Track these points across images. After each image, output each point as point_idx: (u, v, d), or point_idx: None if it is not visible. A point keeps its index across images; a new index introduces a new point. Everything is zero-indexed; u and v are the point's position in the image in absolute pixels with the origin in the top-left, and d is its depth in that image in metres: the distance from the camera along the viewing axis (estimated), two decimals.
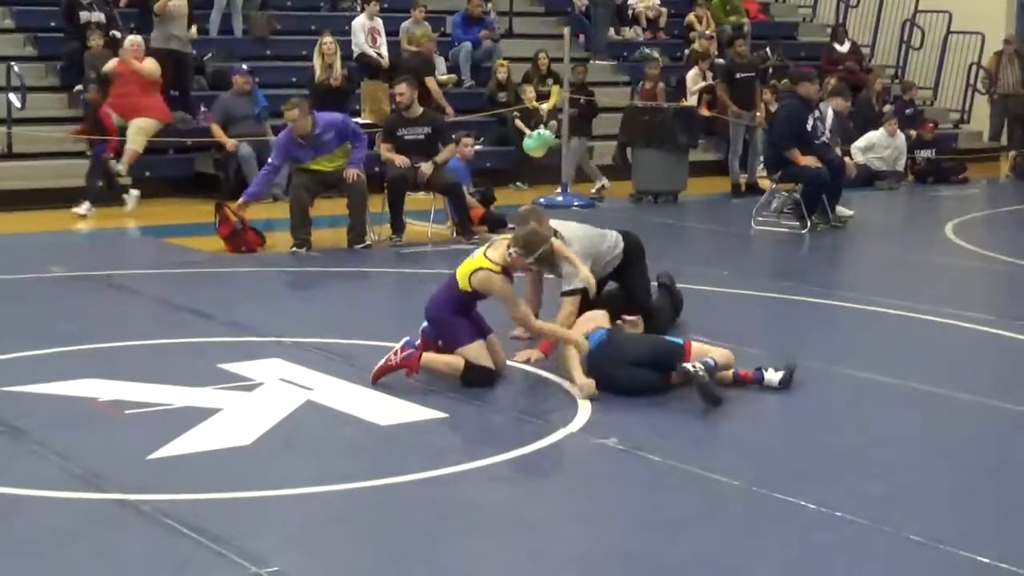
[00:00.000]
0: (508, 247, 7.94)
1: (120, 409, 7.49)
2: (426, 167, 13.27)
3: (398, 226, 13.54)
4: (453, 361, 7.96)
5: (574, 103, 17.52)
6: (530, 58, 19.69)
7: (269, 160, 13.44)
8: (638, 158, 17.68)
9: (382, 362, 7.94)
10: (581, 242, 8.80)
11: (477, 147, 15.68)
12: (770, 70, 20.87)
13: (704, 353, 7.79)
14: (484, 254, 8.04)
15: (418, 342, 8.02)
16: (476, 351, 7.96)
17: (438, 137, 13.78)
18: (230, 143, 16.43)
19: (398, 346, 7.94)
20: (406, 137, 13.58)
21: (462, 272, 8.05)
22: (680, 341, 8.06)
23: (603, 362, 7.86)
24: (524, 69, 19.45)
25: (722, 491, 6.30)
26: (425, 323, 8.21)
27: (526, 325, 8.28)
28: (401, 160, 13.32)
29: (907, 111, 21.55)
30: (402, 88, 13.77)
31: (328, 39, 17.68)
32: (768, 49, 21.86)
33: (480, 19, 20.63)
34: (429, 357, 7.95)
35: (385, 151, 13.62)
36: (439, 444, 7.07)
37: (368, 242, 13.18)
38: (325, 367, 8.41)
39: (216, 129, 16.73)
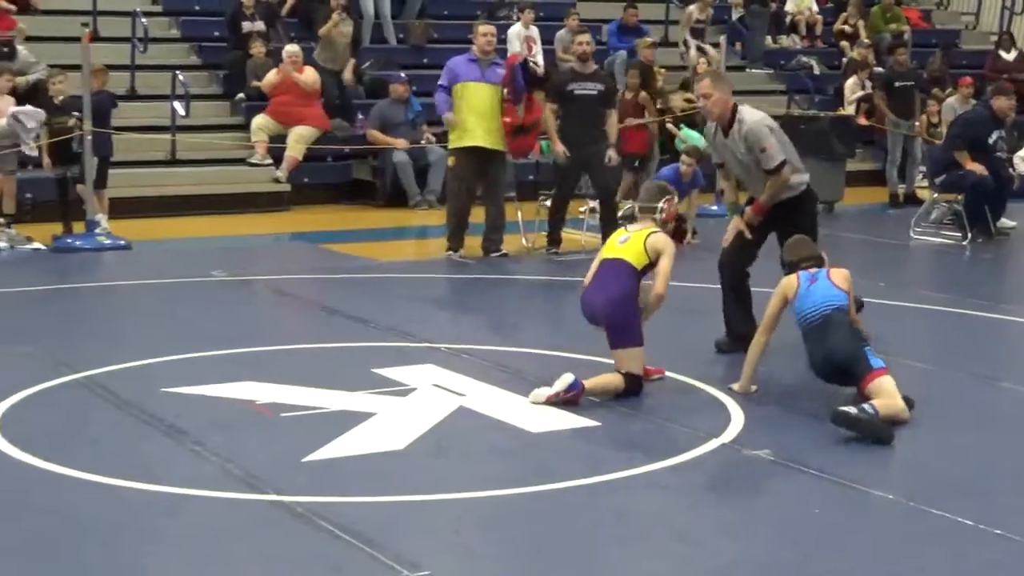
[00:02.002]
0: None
1: (277, 412, 7.59)
2: (613, 154, 13.01)
3: (555, 237, 13.28)
4: (612, 381, 7.86)
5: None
6: (683, 66, 19.56)
7: (438, 84, 13.31)
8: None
9: (545, 395, 7.74)
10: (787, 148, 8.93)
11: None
12: (931, 78, 20.47)
13: (882, 393, 7.41)
14: (638, 230, 8.02)
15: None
16: (641, 355, 7.92)
17: (607, 99, 13.19)
18: (400, 143, 16.48)
19: (563, 386, 7.68)
20: (576, 92, 12.97)
21: (632, 250, 7.93)
22: (877, 364, 7.54)
23: (813, 333, 7.72)
24: (679, 77, 19.31)
25: (875, 504, 6.20)
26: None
27: (660, 302, 8.09)
28: (562, 150, 12.83)
29: None
30: (585, 38, 13.46)
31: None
32: (937, 56, 21.38)
33: (635, 28, 20.58)
34: (589, 385, 7.83)
35: (550, 111, 13.05)
36: (591, 452, 7.05)
37: (504, 251, 13.12)
38: (478, 373, 8.43)
39: (376, 134, 16.93)
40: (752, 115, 8.82)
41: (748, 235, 8.95)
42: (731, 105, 8.79)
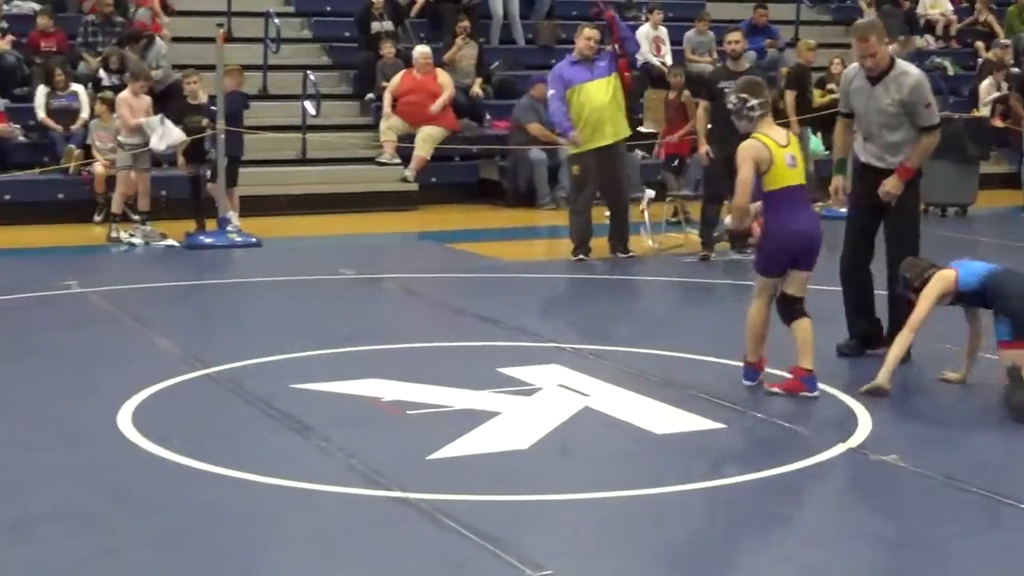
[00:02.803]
0: None
1: (402, 409, 7.65)
2: None
3: (707, 240, 13.00)
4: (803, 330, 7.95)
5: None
6: (815, 68, 19.34)
7: (550, 94, 13.21)
8: (926, 169, 17.10)
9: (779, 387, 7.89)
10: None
11: None
12: None
13: None
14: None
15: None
16: None
17: None
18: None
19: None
20: (727, 90, 12.91)
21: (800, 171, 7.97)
22: None
23: (1004, 286, 7.79)
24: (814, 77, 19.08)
25: (1005, 513, 6.08)
26: None
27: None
28: (706, 151, 12.78)
29: None
30: (737, 36, 13.27)
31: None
32: None
33: (765, 28, 20.42)
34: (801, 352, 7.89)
35: (703, 111, 12.99)
36: (715, 454, 7.02)
37: (632, 252, 13.09)
38: (604, 374, 8.41)
39: (540, 128, 16.69)
40: (915, 70, 8.71)
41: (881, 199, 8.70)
42: (889, 57, 8.63)
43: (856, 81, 8.72)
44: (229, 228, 13.90)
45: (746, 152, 7.78)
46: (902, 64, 8.66)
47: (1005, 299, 7.74)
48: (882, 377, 7.84)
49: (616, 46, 13.06)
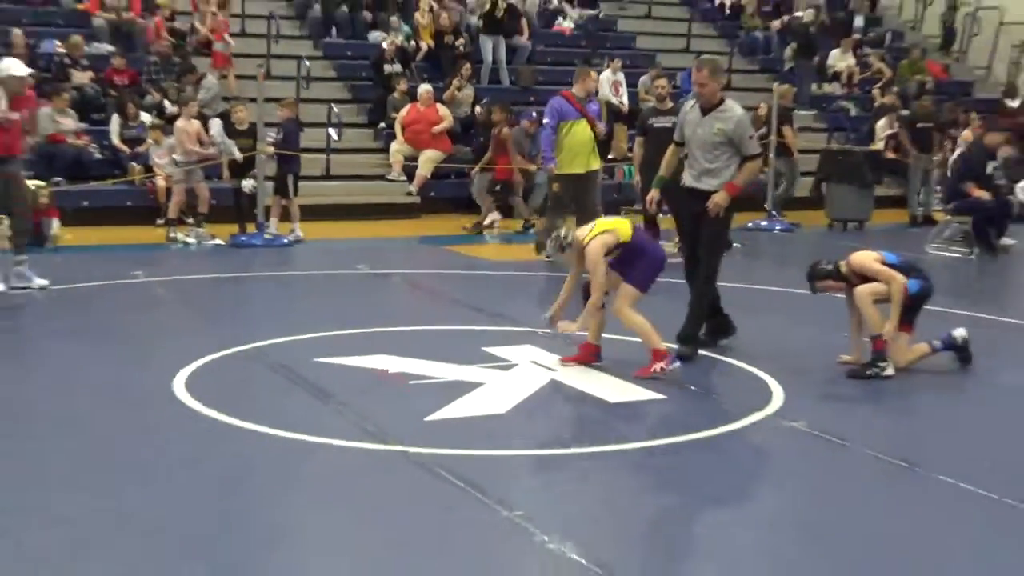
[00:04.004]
0: None
1: (405, 380, 7.65)
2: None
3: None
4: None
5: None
6: (748, 107, 19.39)
7: (545, 122, 12.99)
8: (832, 192, 17.30)
9: (651, 371, 7.72)
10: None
11: None
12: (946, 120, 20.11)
13: None
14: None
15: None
16: None
17: None
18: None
19: (673, 365, 7.76)
20: (655, 125, 12.93)
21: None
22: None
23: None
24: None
25: (891, 471, 6.09)
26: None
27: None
28: (638, 180, 13.05)
29: None
30: (663, 82, 13.57)
31: None
32: (951, 104, 20.98)
33: None
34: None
35: (638, 145, 13.29)
36: (655, 420, 7.04)
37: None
38: (568, 352, 8.41)
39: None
40: (740, 108, 8.32)
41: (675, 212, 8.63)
42: (719, 94, 8.30)
43: (691, 113, 8.41)
44: (288, 236, 13.95)
45: (597, 255, 7.67)
46: (730, 103, 8.30)
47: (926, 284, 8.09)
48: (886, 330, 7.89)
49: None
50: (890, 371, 7.84)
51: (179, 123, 14.52)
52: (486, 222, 15.92)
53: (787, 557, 4.97)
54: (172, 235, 13.99)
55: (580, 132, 12.73)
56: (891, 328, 7.92)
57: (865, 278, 8.06)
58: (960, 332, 8.24)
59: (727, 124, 8.17)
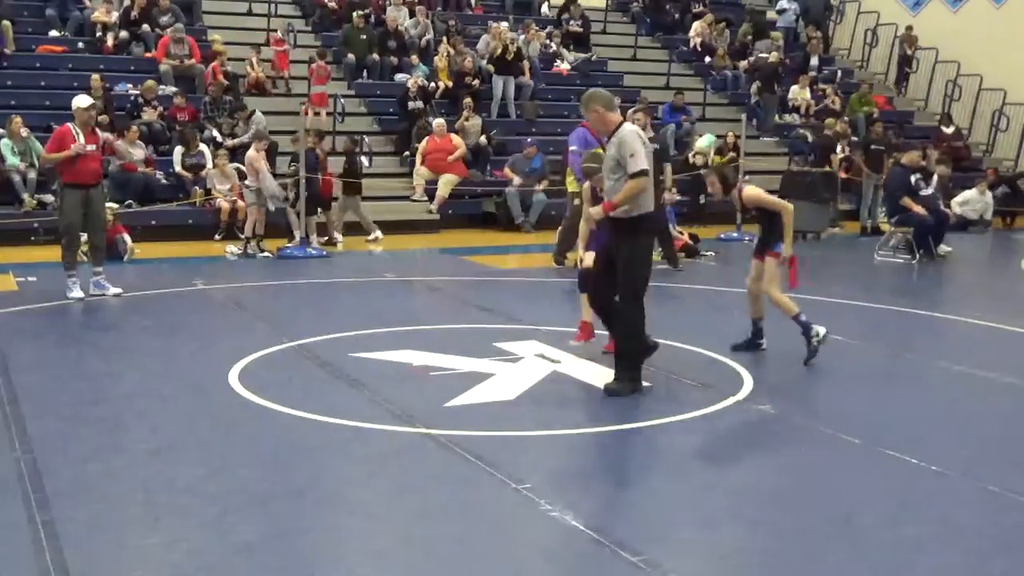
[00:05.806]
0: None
1: (427, 371, 7.64)
2: (667, 196, 12.67)
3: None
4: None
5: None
6: (719, 135, 19.40)
7: (572, 148, 12.01)
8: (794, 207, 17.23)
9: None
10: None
11: (677, 196, 15.45)
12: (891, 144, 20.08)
13: None
14: None
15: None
16: None
17: (660, 156, 11.98)
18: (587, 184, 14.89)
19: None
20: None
21: None
22: None
23: None
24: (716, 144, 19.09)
25: (844, 446, 6.08)
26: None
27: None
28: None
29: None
30: (640, 115, 13.10)
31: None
32: (891, 132, 20.97)
33: (682, 108, 20.43)
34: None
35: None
36: (643, 404, 7.00)
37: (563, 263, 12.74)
38: (569, 347, 8.40)
39: (509, 172, 17.11)
40: (631, 128, 7.28)
41: (593, 226, 7.61)
42: (617, 121, 7.35)
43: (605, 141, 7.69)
44: (308, 247, 13.87)
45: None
46: (626, 126, 7.26)
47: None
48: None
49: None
50: (822, 330, 7.85)
51: (251, 152, 14.57)
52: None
53: (756, 519, 4.96)
54: (251, 251, 13.89)
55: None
56: (788, 248, 8.10)
57: (760, 209, 8.18)
58: (821, 329, 7.90)
59: (614, 148, 7.26)
